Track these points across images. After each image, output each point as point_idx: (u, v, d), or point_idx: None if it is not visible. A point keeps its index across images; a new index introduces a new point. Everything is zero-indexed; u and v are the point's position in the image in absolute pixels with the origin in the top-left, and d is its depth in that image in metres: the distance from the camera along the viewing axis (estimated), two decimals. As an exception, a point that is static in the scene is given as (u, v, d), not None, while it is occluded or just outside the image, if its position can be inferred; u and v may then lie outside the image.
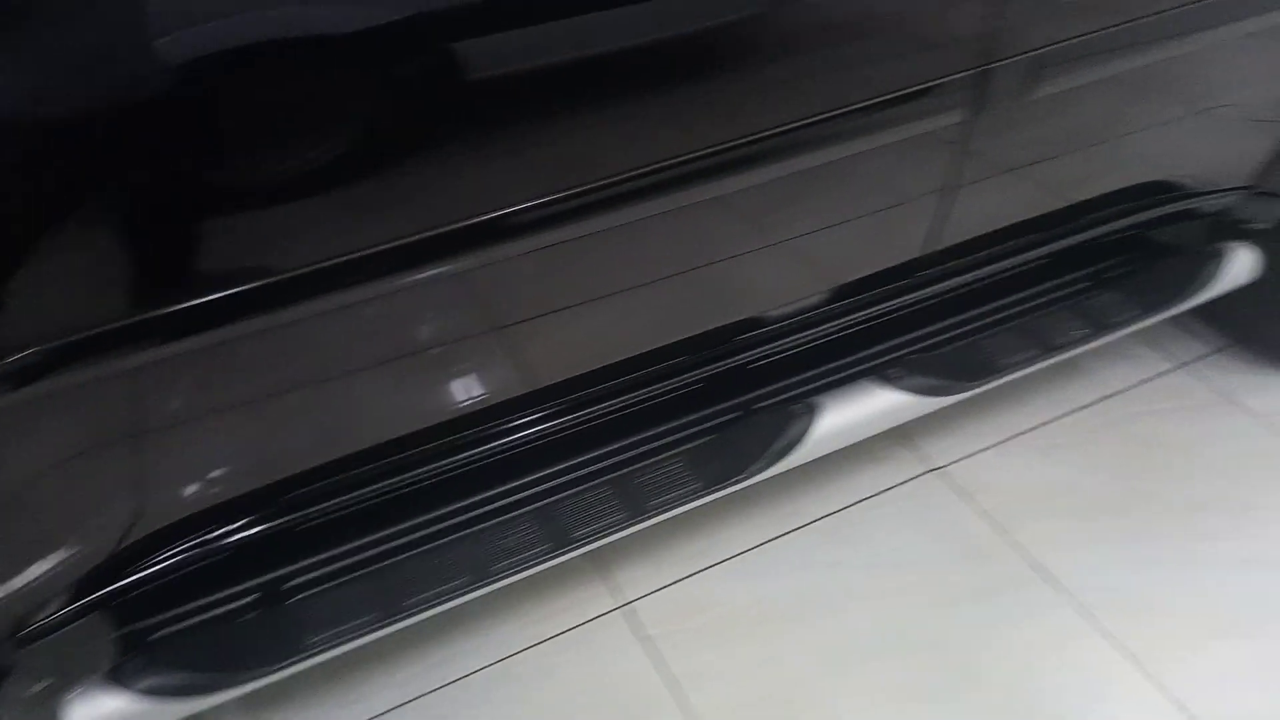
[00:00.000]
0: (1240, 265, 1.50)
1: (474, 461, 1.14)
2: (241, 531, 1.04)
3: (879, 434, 1.66)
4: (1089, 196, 1.33)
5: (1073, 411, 1.75)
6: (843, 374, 1.30)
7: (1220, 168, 1.40)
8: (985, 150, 1.13)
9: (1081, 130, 1.24)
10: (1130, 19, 1.10)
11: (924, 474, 1.66)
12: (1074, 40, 1.07)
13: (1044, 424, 1.73)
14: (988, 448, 1.70)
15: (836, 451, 1.60)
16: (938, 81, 1.00)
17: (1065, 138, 1.24)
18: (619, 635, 1.44)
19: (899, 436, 1.71)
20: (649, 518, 1.18)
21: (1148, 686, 1.35)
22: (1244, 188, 1.43)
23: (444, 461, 1.12)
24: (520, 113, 0.82)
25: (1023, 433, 1.72)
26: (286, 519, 1.06)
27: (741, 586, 1.50)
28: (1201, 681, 1.35)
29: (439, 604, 1.09)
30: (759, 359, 1.26)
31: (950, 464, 1.67)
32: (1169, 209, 1.42)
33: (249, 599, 1.08)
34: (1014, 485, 1.63)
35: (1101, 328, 1.40)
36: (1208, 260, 1.47)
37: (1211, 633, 1.41)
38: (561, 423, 1.18)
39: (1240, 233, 1.51)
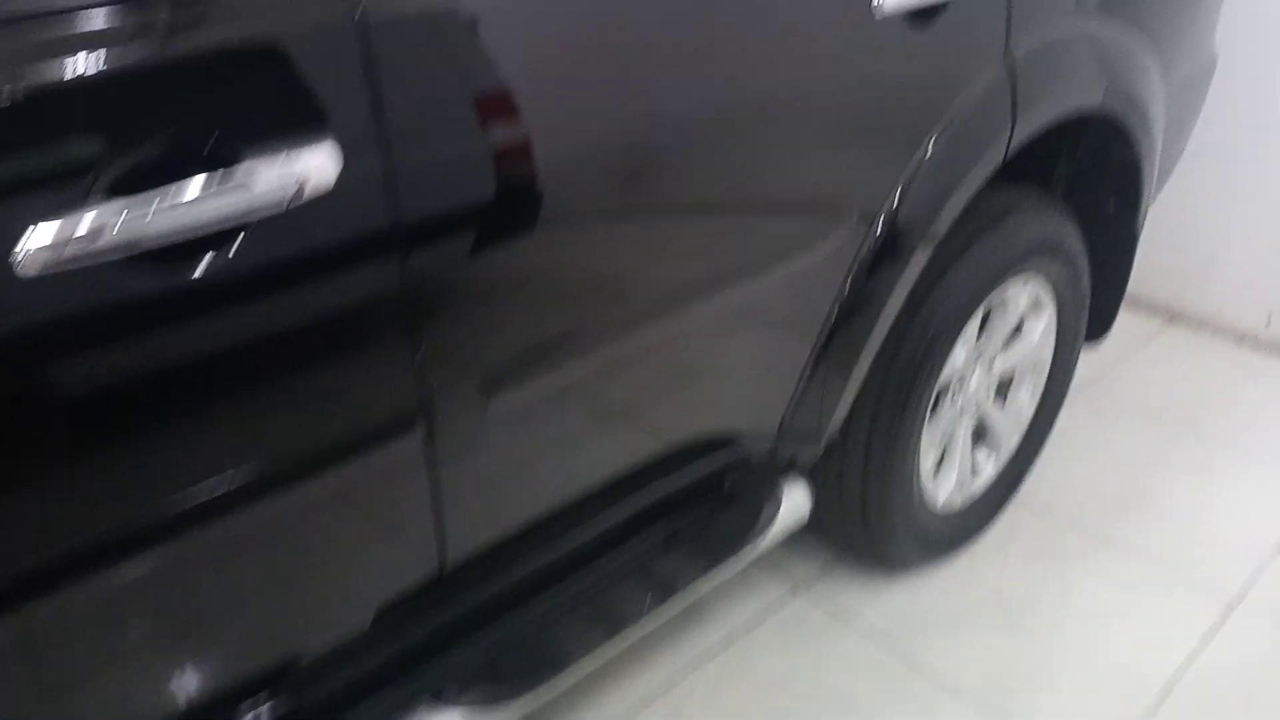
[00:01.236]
0: (798, 499, 1.58)
1: None
2: None
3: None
4: (622, 473, 1.34)
5: (701, 663, 1.72)
6: (392, 704, 1.18)
7: (747, 419, 1.48)
8: (470, 457, 1.11)
9: (597, 416, 1.26)
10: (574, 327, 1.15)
11: (555, 777, 1.54)
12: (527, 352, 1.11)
13: (674, 684, 1.68)
14: (619, 729, 1.61)
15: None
16: (371, 421, 0.99)
17: (580, 425, 1.25)
18: None
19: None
20: None
21: None
22: (776, 432, 1.52)
23: None
24: None
25: (654, 700, 1.65)
26: None
27: None
28: None
29: None
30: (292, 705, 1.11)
31: (581, 758, 1.57)
32: (717, 463, 1.48)
33: None
34: (646, 767, 1.54)
35: (669, 590, 1.40)
36: (766, 501, 1.53)
37: None
38: None
39: (792, 470, 1.60)
